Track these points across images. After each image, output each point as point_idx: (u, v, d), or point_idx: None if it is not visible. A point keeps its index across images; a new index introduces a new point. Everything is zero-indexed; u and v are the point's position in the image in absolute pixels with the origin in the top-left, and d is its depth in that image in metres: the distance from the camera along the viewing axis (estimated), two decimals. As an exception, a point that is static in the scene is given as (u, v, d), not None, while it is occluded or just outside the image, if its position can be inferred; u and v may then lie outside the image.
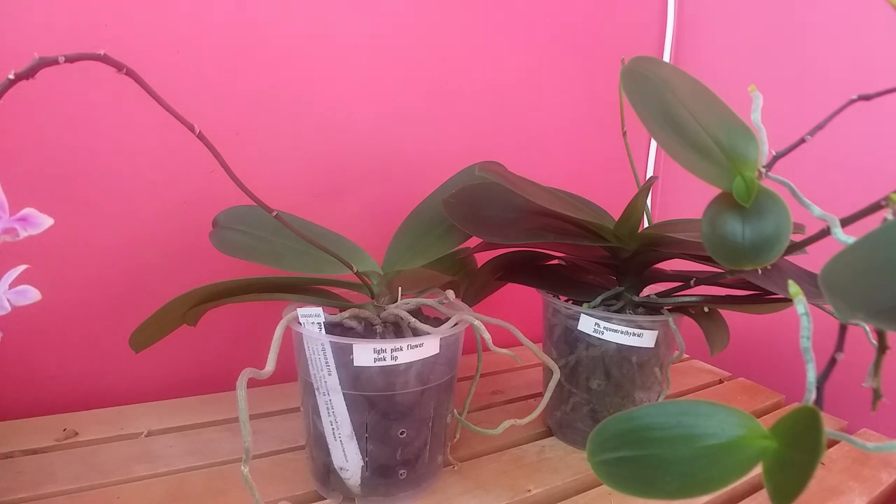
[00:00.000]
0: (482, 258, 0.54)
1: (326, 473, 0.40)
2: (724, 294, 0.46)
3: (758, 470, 0.22)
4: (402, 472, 0.39)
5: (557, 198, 0.47)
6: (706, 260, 0.40)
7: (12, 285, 0.29)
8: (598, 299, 0.49)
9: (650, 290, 0.49)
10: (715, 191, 0.36)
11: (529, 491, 0.43)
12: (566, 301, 0.51)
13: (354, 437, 0.38)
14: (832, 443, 0.53)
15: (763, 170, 0.36)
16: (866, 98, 0.34)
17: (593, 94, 0.79)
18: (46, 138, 0.47)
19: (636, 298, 0.49)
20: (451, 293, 0.44)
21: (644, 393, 0.48)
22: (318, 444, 0.39)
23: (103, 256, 0.51)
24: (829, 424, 0.53)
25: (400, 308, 0.42)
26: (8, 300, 0.29)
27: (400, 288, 0.44)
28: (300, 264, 0.44)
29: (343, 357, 0.36)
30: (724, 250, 0.34)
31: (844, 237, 0.27)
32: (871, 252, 0.21)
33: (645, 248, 0.46)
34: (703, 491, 0.22)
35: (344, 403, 0.37)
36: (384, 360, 0.36)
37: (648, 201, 0.74)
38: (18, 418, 0.48)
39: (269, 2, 0.54)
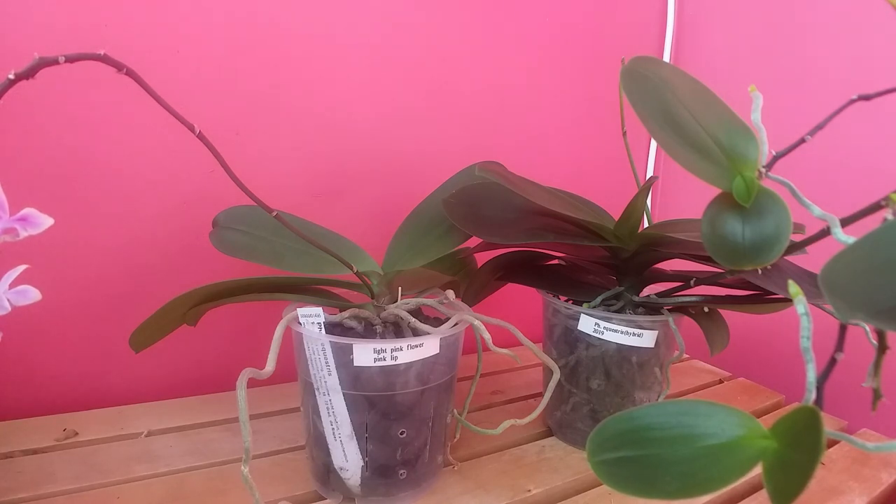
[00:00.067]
0: (482, 258, 0.54)
1: (326, 473, 0.40)
2: (724, 294, 0.46)
3: (758, 470, 0.22)
4: (402, 472, 0.39)
5: (557, 198, 0.47)
6: (706, 260, 0.40)
7: (12, 285, 0.29)
8: (598, 299, 0.49)
9: (650, 290, 0.49)
10: (715, 191, 0.36)
11: (529, 491, 0.43)
12: (566, 301, 0.51)
13: (354, 437, 0.38)
14: (832, 443, 0.53)
15: (763, 170, 0.36)
16: (866, 98, 0.34)
17: (593, 94, 0.79)
18: (46, 138, 0.47)
19: (636, 298, 0.49)
20: (451, 293, 0.44)
21: (644, 393, 0.48)
22: (318, 444, 0.39)
23: (103, 256, 0.51)
24: (829, 424, 0.53)
25: (400, 308, 0.42)
26: (8, 300, 0.29)
27: (400, 288, 0.44)
28: (300, 264, 0.44)
29: (343, 357, 0.36)
30: (724, 250, 0.34)
31: (844, 237, 0.27)
32: (871, 252, 0.21)
33: (645, 248, 0.46)
34: (703, 491, 0.22)
35: (344, 403, 0.37)
36: (384, 360, 0.36)
37: (648, 201, 0.74)
38: (18, 418, 0.48)
39: (269, 2, 0.54)
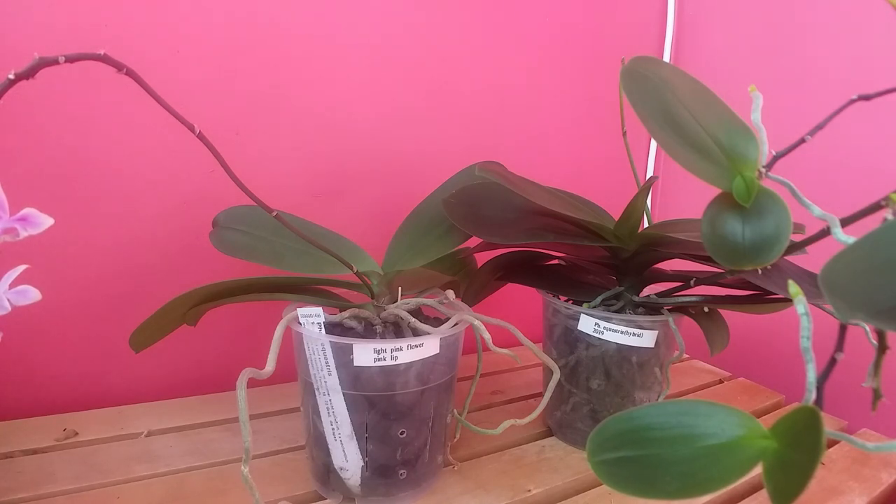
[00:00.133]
0: (482, 258, 0.54)
1: (326, 473, 0.40)
2: (724, 294, 0.46)
3: (758, 470, 0.22)
4: (402, 472, 0.39)
5: (557, 198, 0.47)
6: (706, 260, 0.40)
7: (12, 285, 0.29)
8: (598, 299, 0.49)
9: (650, 290, 0.49)
10: (715, 191, 0.36)
11: (529, 491, 0.43)
12: (566, 301, 0.51)
13: (354, 437, 0.38)
14: (832, 443, 0.53)
15: (763, 170, 0.36)
16: (866, 98, 0.34)
17: (593, 94, 0.79)
18: (46, 138, 0.47)
19: (636, 298, 0.49)
20: (451, 293, 0.44)
21: (644, 393, 0.48)
22: (318, 444, 0.39)
23: (103, 256, 0.51)
24: (829, 424, 0.53)
25: (400, 308, 0.42)
26: (8, 300, 0.29)
27: (400, 288, 0.44)
28: (300, 264, 0.44)
29: (343, 357, 0.36)
30: (724, 250, 0.34)
31: (844, 237, 0.26)
32: (871, 252, 0.21)
33: (645, 248, 0.46)
34: (703, 491, 0.22)
35: (344, 403, 0.37)
36: (384, 360, 0.36)
37: (648, 201, 0.74)
38: (18, 418, 0.48)
39: (269, 2, 0.54)
